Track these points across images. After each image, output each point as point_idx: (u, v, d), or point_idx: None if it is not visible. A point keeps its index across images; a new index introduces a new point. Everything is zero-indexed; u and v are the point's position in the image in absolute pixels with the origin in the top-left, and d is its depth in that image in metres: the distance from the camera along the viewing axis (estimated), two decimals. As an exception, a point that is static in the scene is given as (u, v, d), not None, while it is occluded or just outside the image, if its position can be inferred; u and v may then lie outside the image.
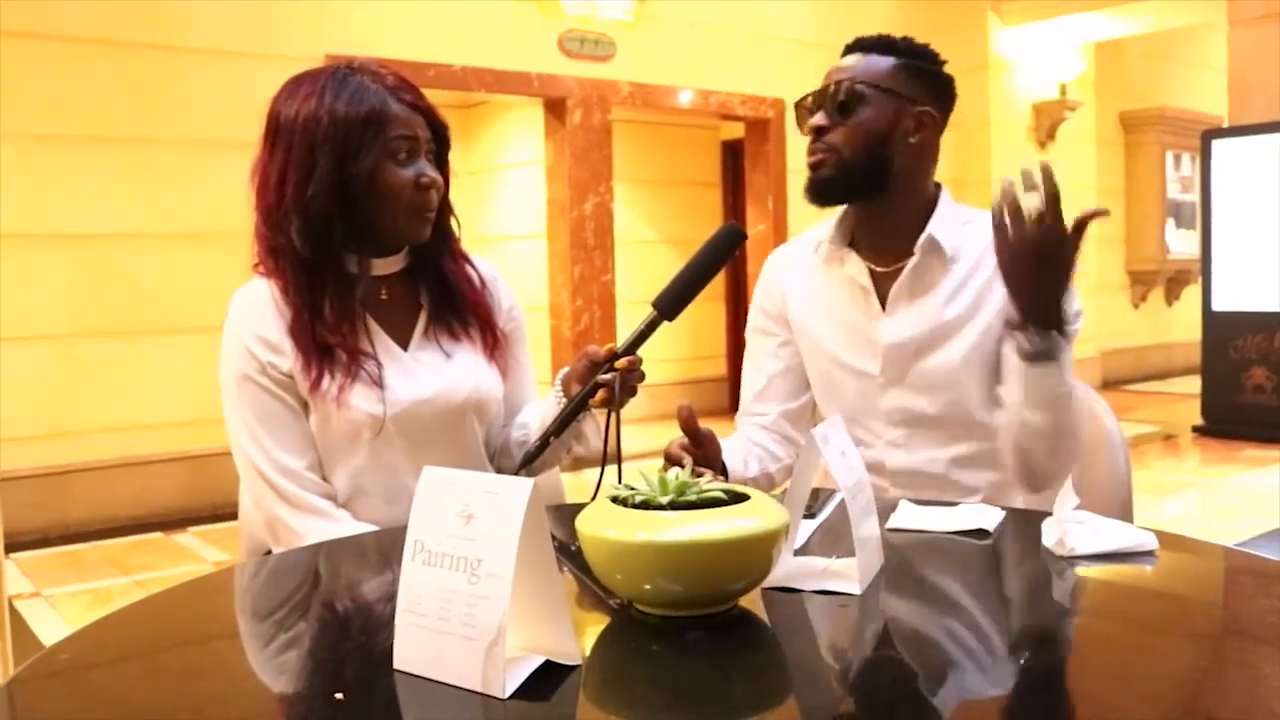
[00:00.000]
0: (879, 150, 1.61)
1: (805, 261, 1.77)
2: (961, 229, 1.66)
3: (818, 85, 1.67)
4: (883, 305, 1.67)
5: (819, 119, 1.63)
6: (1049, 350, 1.49)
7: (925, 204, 1.67)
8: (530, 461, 1.58)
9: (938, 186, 1.70)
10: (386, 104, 1.50)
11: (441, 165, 1.58)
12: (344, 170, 1.48)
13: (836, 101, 1.62)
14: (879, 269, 1.68)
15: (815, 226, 1.77)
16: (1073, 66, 8.84)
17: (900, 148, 1.63)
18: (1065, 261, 1.44)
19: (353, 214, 1.50)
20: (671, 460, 1.41)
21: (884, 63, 1.63)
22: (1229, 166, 6.80)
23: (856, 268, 1.69)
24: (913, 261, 1.65)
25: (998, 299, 1.61)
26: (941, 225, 1.65)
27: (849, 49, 1.68)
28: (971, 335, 1.62)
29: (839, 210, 1.71)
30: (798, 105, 1.70)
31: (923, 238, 1.64)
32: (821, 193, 1.65)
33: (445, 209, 1.61)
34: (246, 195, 1.56)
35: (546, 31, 6.34)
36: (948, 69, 1.68)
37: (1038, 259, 1.43)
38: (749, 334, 1.85)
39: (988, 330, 1.62)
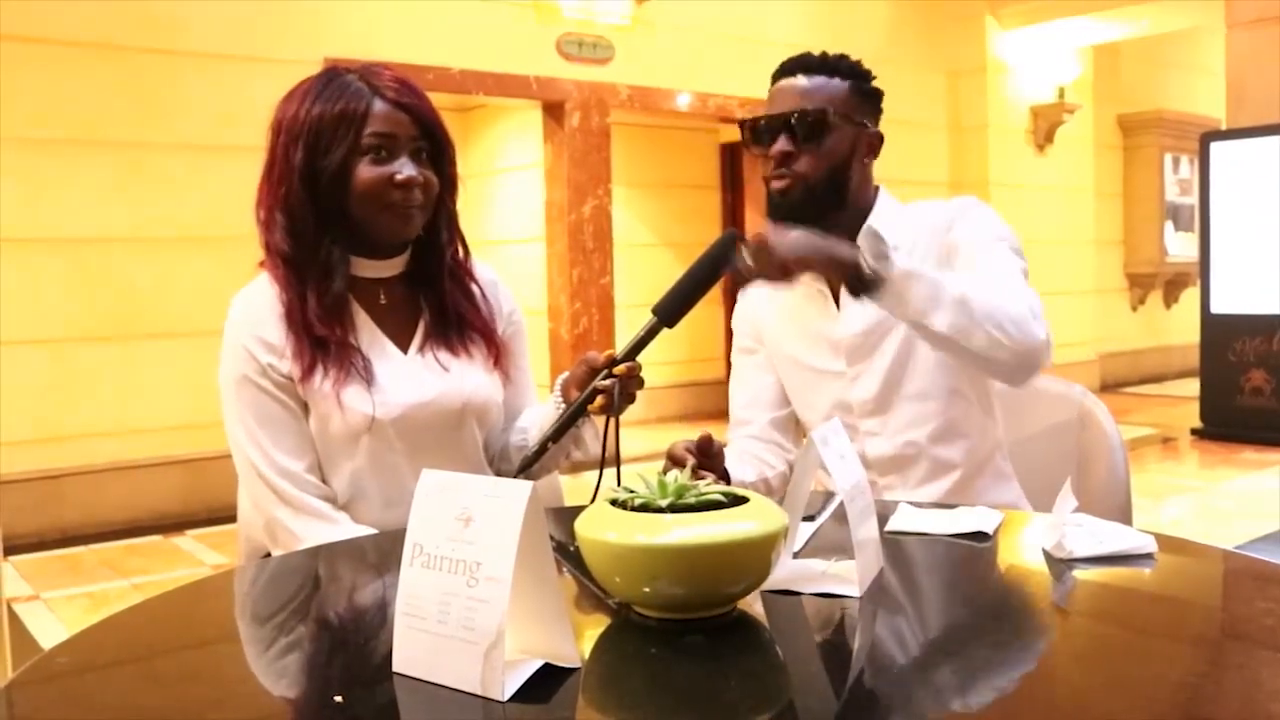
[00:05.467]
0: (840, 175, 1.66)
1: None
2: (899, 216, 1.72)
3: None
4: (837, 305, 1.72)
5: (784, 145, 1.64)
6: (873, 279, 1.41)
7: (866, 207, 1.72)
8: (528, 467, 1.57)
9: (876, 188, 1.75)
10: (367, 102, 1.50)
11: (438, 167, 1.57)
12: (313, 166, 1.50)
13: (805, 128, 1.63)
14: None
15: None
16: (1070, 70, 8.85)
17: (857, 170, 1.68)
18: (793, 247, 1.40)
19: (330, 211, 1.51)
20: (674, 460, 1.41)
21: (841, 87, 1.66)
22: (1227, 169, 6.81)
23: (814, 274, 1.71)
24: None
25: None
26: (879, 218, 1.70)
27: (789, 69, 1.67)
28: None
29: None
30: (749, 125, 1.68)
31: (863, 229, 1.67)
32: (787, 216, 1.66)
33: (443, 213, 1.60)
34: (248, 200, 1.58)
35: (544, 35, 6.34)
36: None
37: (772, 265, 1.40)
38: (734, 353, 1.92)
39: None
